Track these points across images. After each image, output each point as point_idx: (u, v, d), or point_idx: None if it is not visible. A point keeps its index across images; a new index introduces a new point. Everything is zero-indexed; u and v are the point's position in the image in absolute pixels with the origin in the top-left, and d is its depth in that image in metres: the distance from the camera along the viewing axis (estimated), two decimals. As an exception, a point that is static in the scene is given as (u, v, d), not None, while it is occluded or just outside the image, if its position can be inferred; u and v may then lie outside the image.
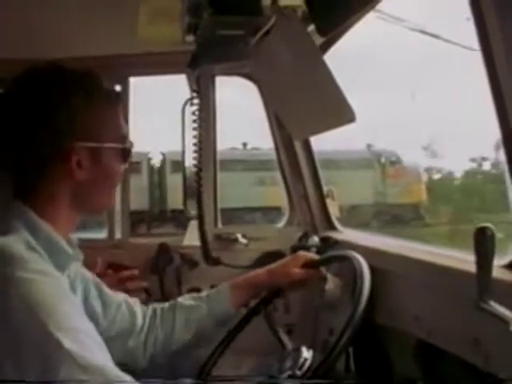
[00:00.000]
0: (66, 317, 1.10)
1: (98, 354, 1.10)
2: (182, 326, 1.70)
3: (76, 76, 1.33)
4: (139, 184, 13.44)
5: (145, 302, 1.77)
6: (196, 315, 1.72)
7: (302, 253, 1.88)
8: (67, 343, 1.05)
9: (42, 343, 1.06)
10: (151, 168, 14.23)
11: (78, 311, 1.21)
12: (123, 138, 1.41)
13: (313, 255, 1.89)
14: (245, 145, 14.47)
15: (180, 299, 1.76)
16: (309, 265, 1.83)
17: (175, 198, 11.38)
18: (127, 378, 1.11)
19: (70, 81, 1.31)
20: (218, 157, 2.77)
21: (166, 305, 1.75)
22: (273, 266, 1.85)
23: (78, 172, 1.30)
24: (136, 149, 1.42)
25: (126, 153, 1.41)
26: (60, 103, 1.28)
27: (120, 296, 1.67)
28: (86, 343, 1.09)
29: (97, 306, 1.57)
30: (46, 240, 1.25)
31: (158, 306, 1.74)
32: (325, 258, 1.92)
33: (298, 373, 1.53)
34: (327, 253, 2.10)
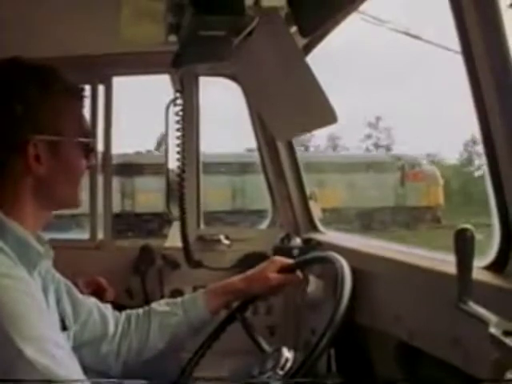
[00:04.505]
0: (30, 324, 1.08)
1: (63, 364, 1.08)
2: (157, 333, 1.67)
3: (33, 69, 1.30)
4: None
5: (124, 306, 1.76)
6: (171, 321, 1.69)
7: (277, 258, 1.87)
8: (29, 352, 1.03)
9: (3, 351, 1.03)
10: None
11: (46, 318, 1.18)
12: (85, 133, 1.38)
13: (288, 260, 1.87)
14: (306, 147, 14.32)
15: (154, 305, 1.73)
16: (285, 269, 1.83)
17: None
18: None
19: (26, 73, 1.28)
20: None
21: (140, 311, 1.71)
22: (249, 272, 1.83)
23: (36, 166, 1.27)
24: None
25: (88, 148, 1.38)
26: (15, 95, 1.25)
27: (91, 301, 1.64)
28: (51, 352, 1.07)
29: (68, 309, 1.53)
30: (13, 239, 1.22)
31: (132, 312, 1.71)
32: (302, 261, 1.92)
33: (280, 373, 1.52)
34: (309, 254, 2.10)
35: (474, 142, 16.54)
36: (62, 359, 1.08)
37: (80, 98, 1.39)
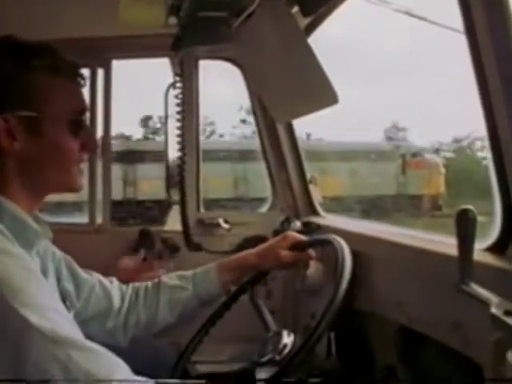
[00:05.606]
0: (31, 295, 1.07)
1: (67, 327, 1.08)
2: (166, 308, 1.66)
3: (14, 45, 1.25)
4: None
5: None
6: (181, 296, 1.68)
7: (290, 233, 1.83)
8: (34, 319, 1.03)
9: (9, 323, 1.03)
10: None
11: (46, 290, 1.17)
12: (72, 111, 1.30)
13: (301, 236, 1.83)
14: (308, 135, 14.18)
15: (164, 278, 1.72)
16: (297, 246, 1.81)
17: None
18: (101, 349, 1.08)
19: (5, 49, 1.24)
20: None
21: (150, 284, 1.71)
22: (261, 247, 1.80)
23: (9, 142, 1.22)
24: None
25: (77, 127, 1.30)
26: None
27: (94, 277, 1.63)
28: (54, 319, 1.07)
29: (69, 286, 1.53)
30: (10, 218, 1.20)
31: (141, 285, 1.70)
32: (315, 240, 1.89)
33: (277, 357, 1.52)
34: (309, 237, 2.09)
35: (398, 129, 16.25)
36: (64, 324, 1.09)
37: (69, 76, 1.31)
